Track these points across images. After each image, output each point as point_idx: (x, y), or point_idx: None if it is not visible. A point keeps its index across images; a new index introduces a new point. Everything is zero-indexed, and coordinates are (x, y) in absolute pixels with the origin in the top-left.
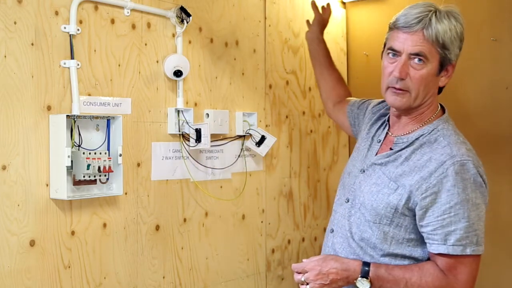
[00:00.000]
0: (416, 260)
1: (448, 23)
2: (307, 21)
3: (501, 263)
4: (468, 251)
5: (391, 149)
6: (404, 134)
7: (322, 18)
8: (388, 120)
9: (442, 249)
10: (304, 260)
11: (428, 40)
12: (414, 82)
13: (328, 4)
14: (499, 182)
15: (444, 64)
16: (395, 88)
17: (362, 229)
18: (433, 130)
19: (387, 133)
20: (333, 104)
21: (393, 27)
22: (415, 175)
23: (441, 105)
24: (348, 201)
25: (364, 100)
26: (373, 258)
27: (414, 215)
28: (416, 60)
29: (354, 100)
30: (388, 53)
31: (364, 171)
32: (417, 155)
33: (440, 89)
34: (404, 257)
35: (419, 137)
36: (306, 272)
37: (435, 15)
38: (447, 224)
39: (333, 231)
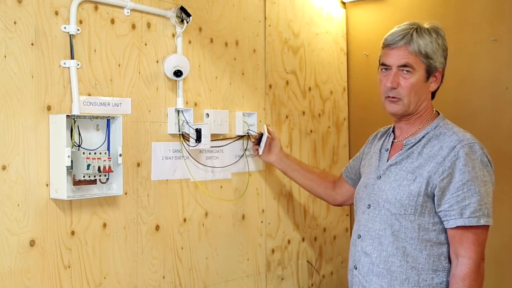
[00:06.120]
0: (442, 244)
1: (428, 37)
2: (255, 152)
3: (501, 263)
4: (482, 221)
5: (401, 150)
6: (409, 136)
7: (273, 138)
8: (393, 131)
9: (460, 222)
10: None
11: (411, 53)
12: (405, 90)
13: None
14: (499, 181)
15: (430, 72)
16: (390, 97)
17: (390, 223)
18: (436, 127)
19: (393, 141)
20: (332, 189)
21: (383, 46)
22: (431, 163)
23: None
24: (369, 207)
25: (355, 156)
26: (405, 249)
27: (433, 198)
28: (404, 71)
29: (345, 167)
30: (382, 69)
31: (380, 177)
32: (428, 148)
33: (433, 94)
34: (432, 243)
35: (425, 135)
36: None
37: (416, 31)
38: (462, 199)
39: (360, 236)
